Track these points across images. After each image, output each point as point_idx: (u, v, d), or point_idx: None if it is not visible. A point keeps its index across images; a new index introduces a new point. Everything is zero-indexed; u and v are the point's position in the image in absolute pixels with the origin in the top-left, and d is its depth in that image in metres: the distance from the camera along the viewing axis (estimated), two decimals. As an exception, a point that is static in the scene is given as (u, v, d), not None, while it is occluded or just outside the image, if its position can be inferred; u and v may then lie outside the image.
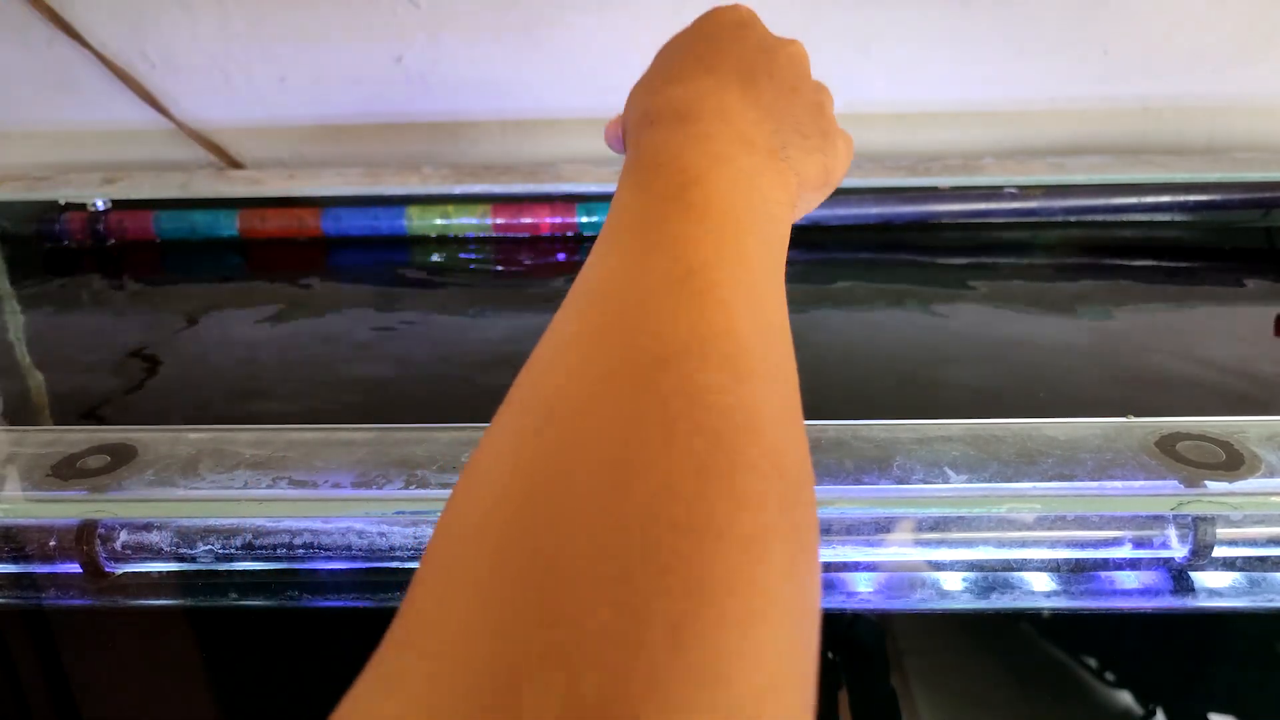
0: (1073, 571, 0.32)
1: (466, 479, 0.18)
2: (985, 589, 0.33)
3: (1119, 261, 0.60)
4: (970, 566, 0.33)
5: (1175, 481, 0.31)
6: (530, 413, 0.19)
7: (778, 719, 0.15)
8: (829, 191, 0.32)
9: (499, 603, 0.15)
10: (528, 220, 0.62)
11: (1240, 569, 0.32)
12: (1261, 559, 0.32)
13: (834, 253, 0.60)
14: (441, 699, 0.14)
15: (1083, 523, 0.32)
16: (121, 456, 0.34)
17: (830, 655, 0.37)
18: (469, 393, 0.46)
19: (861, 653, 0.37)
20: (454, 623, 0.15)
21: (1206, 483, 0.31)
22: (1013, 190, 0.61)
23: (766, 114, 0.29)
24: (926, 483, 0.32)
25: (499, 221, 0.62)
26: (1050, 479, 0.32)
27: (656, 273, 0.21)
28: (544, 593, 0.15)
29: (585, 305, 0.21)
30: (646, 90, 0.30)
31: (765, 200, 0.25)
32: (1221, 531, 0.31)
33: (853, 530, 0.32)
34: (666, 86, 0.29)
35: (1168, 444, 0.33)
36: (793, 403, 0.20)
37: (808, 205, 0.31)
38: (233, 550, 0.32)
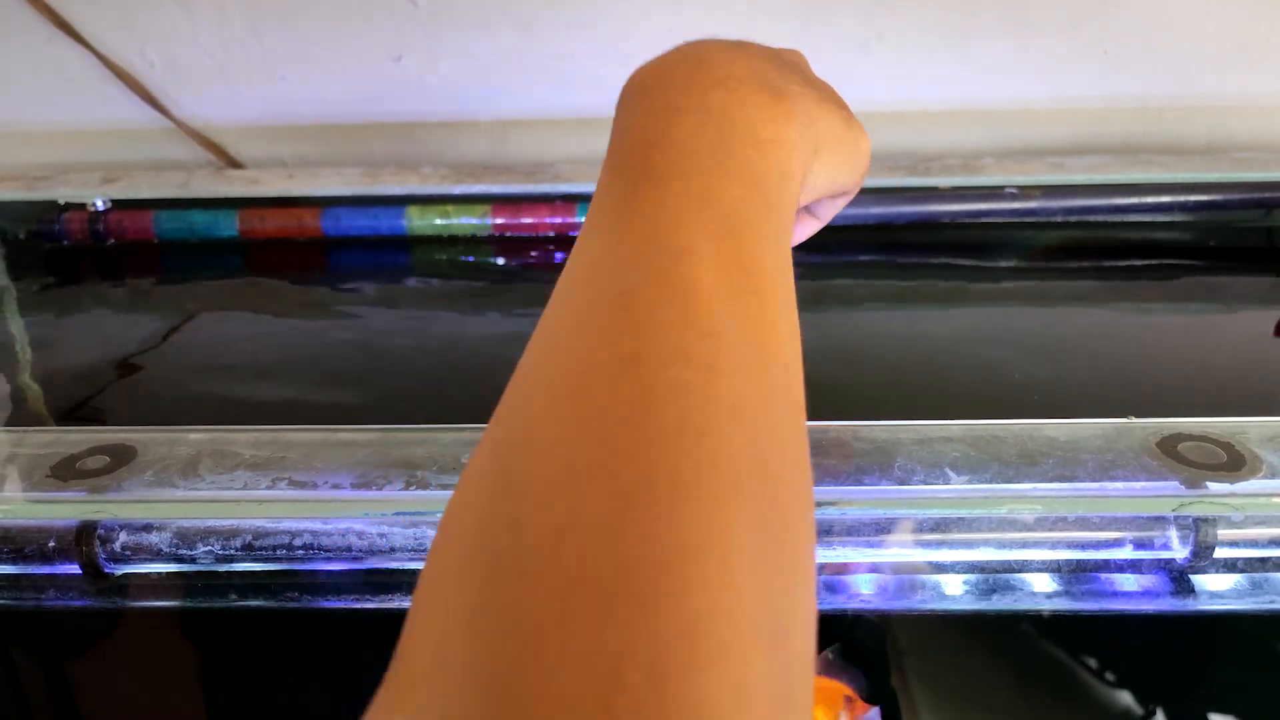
0: (1074, 573, 0.32)
1: (457, 489, 0.19)
2: (986, 590, 0.33)
3: (1119, 261, 0.60)
4: (971, 568, 0.33)
5: (1176, 482, 0.31)
6: (502, 425, 0.19)
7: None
8: (863, 157, 0.29)
9: (472, 623, 0.15)
10: (527, 220, 0.62)
11: (1241, 570, 0.32)
12: (1263, 560, 0.32)
13: (833, 253, 0.60)
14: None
15: (1084, 524, 0.32)
16: (121, 457, 0.34)
17: (830, 656, 0.37)
18: (470, 393, 0.46)
19: (862, 653, 0.37)
20: (434, 646, 0.16)
21: (1208, 484, 0.31)
22: (1013, 190, 0.61)
23: (756, 58, 0.26)
24: (927, 483, 0.32)
25: (499, 221, 0.62)
26: (1051, 480, 0.32)
27: (619, 260, 0.20)
28: (512, 616, 0.15)
29: (557, 306, 0.21)
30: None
31: (752, 135, 0.23)
32: (1223, 533, 0.31)
33: (853, 531, 0.32)
34: (644, 69, 0.26)
35: (1169, 445, 0.33)
36: (780, 376, 0.19)
37: (842, 165, 0.28)
38: (232, 551, 0.32)
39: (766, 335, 0.20)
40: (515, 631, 0.15)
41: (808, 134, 0.25)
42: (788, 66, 0.27)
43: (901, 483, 0.32)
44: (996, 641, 0.37)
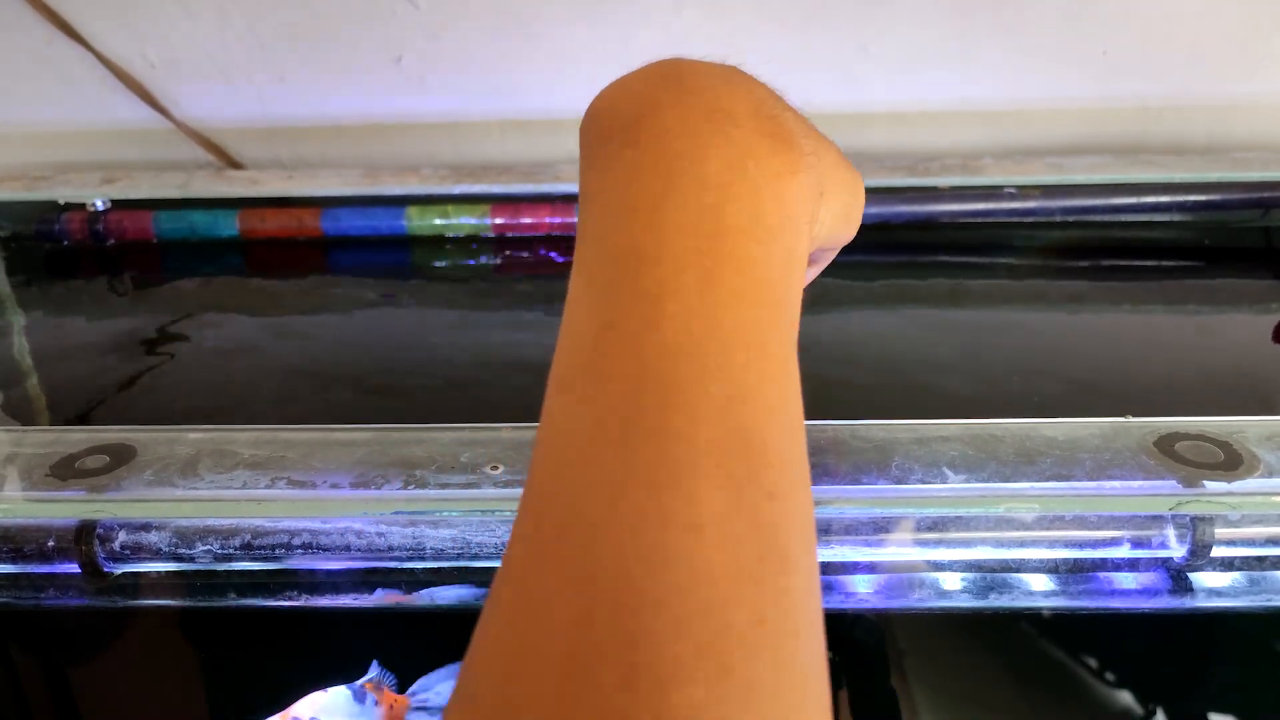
0: (1071, 571, 0.32)
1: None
2: (984, 589, 0.33)
3: (1118, 261, 0.60)
4: (969, 566, 0.33)
5: (1174, 481, 0.31)
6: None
7: None
8: (860, 202, 0.26)
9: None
10: (527, 220, 0.62)
11: (1239, 569, 0.32)
12: (1260, 559, 0.32)
13: (833, 253, 0.60)
14: None
15: (1081, 523, 0.32)
16: (120, 457, 0.34)
17: (831, 656, 0.37)
18: (469, 392, 0.46)
19: (861, 653, 0.37)
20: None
21: (1205, 483, 0.31)
22: (1012, 190, 0.61)
23: (747, 81, 0.23)
24: (925, 483, 0.32)
25: (498, 221, 0.62)
26: (1048, 479, 0.32)
27: (602, 469, 0.17)
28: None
29: (534, 526, 0.17)
30: (597, 100, 0.24)
31: (756, 215, 0.20)
32: (1220, 531, 0.31)
33: (851, 530, 0.32)
34: (616, 95, 0.23)
35: (1166, 444, 0.33)
36: (798, 587, 0.16)
37: (841, 212, 0.25)
38: (231, 550, 0.32)
39: (781, 555, 0.17)
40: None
41: (813, 176, 0.22)
42: (770, 91, 0.24)
43: (899, 482, 0.32)
44: (995, 641, 0.37)
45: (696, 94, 0.21)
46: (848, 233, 0.27)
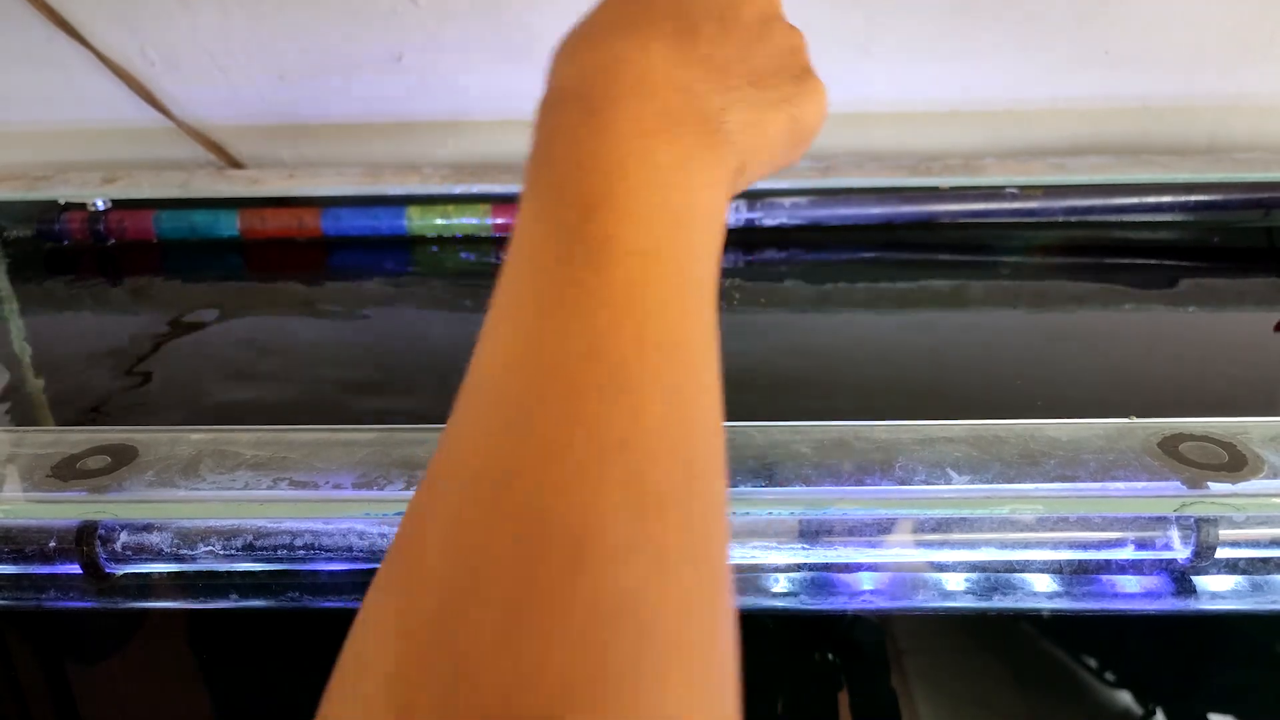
0: (1075, 573, 0.32)
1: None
2: (987, 590, 0.33)
3: (1119, 261, 0.60)
4: (972, 568, 0.33)
5: (1178, 483, 0.31)
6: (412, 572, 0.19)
7: None
8: (802, 148, 0.28)
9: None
10: (528, 220, 0.62)
11: (1243, 571, 0.32)
12: (1264, 560, 0.32)
13: (834, 253, 0.60)
14: None
15: (1085, 524, 0.32)
16: (122, 457, 0.34)
17: (831, 656, 0.37)
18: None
19: (862, 653, 0.37)
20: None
21: (1209, 484, 0.31)
22: (1013, 190, 0.61)
23: (707, 68, 0.25)
24: (929, 484, 0.32)
25: (499, 221, 0.62)
26: (1052, 480, 0.32)
27: (551, 367, 0.19)
28: None
29: (469, 422, 0.20)
30: (563, 51, 0.26)
31: (692, 200, 0.22)
32: (1224, 533, 0.31)
33: (855, 531, 0.32)
34: (579, 50, 0.25)
35: (1170, 445, 0.33)
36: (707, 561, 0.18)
37: (767, 167, 0.27)
38: (233, 551, 0.32)
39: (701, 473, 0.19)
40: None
41: (733, 170, 0.24)
42: (738, 51, 0.26)
43: (903, 483, 0.32)
44: (997, 642, 0.37)
45: (626, 77, 0.24)
46: (788, 163, 0.29)
